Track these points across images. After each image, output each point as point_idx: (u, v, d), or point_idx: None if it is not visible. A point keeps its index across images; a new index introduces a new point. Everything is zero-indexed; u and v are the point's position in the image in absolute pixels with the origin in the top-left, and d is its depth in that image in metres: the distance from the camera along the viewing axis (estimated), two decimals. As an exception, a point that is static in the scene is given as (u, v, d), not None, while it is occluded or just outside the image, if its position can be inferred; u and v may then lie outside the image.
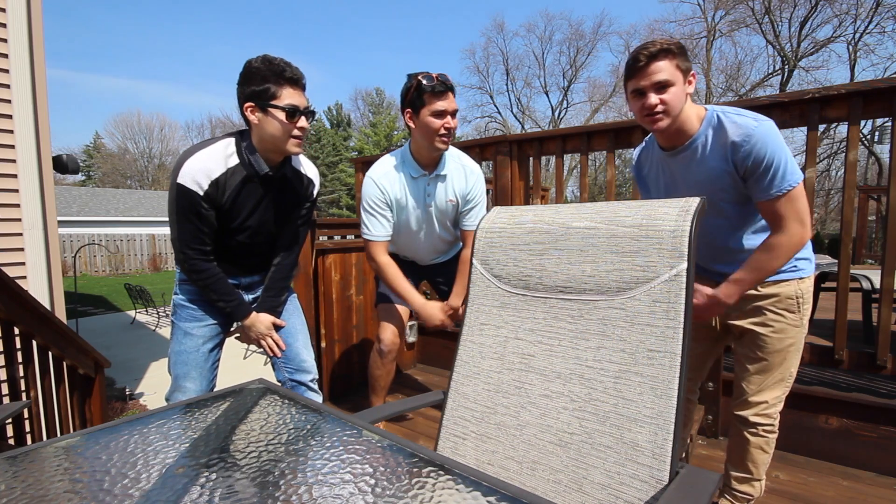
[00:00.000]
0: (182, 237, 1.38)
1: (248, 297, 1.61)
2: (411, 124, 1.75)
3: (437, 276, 2.15)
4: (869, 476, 1.71)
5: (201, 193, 1.33)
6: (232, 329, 1.62)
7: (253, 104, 1.32)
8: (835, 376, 1.93)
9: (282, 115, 1.32)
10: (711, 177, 1.23)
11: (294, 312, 1.69)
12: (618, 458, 0.77)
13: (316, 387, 1.68)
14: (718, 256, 1.35)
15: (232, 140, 1.40)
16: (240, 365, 5.46)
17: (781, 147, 1.15)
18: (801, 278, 1.28)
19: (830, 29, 20.33)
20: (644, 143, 1.48)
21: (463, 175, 1.86)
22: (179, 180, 1.31)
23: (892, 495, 1.60)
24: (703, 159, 1.23)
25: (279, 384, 1.66)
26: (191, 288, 1.50)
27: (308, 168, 1.58)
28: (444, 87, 1.66)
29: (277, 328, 1.61)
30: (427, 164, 1.82)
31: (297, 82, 1.34)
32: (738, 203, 1.26)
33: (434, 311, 1.90)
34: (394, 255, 2.07)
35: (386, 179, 1.81)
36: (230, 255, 1.50)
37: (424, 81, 1.66)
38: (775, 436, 1.35)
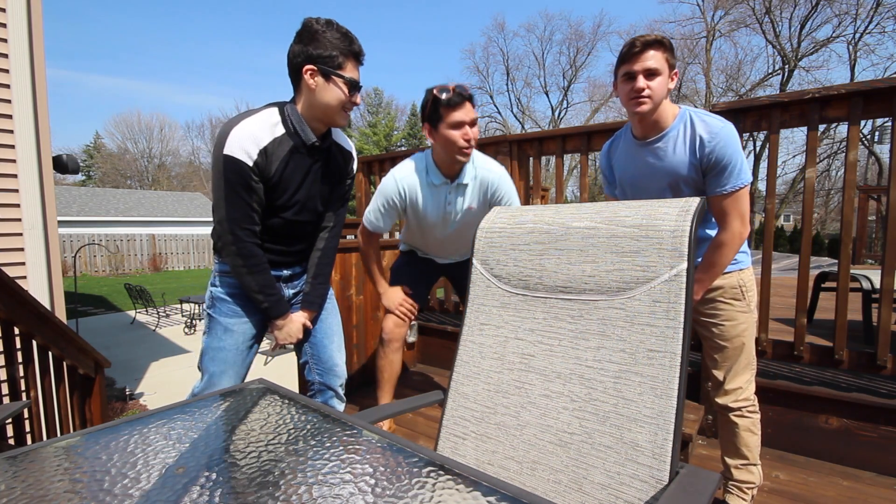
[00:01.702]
0: (232, 216, 1.28)
1: (289, 293, 1.53)
2: (430, 139, 1.76)
3: (455, 272, 2.19)
4: (869, 476, 1.71)
5: (250, 164, 1.25)
6: (269, 336, 1.53)
7: (315, 68, 1.26)
8: (835, 376, 1.92)
9: (345, 87, 1.29)
10: (679, 166, 1.36)
11: (332, 312, 1.63)
12: (618, 458, 0.77)
13: (342, 392, 1.64)
14: None
15: (275, 109, 1.32)
16: (240, 365, 5.46)
17: (739, 149, 1.31)
18: (740, 269, 1.44)
19: (830, 29, 20.38)
20: (614, 136, 1.60)
21: (487, 180, 1.84)
22: (227, 151, 1.23)
23: (892, 495, 1.60)
24: (674, 150, 1.36)
25: (308, 383, 1.63)
26: (232, 281, 1.41)
27: (346, 142, 1.53)
28: (460, 98, 1.64)
29: (307, 330, 1.55)
30: (449, 173, 1.81)
31: (360, 57, 1.31)
32: (699, 190, 1.40)
33: (394, 295, 2.01)
34: (411, 252, 2.17)
35: (407, 182, 1.82)
36: (275, 238, 1.42)
37: (441, 95, 1.66)
38: (758, 416, 1.46)
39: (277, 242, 1.44)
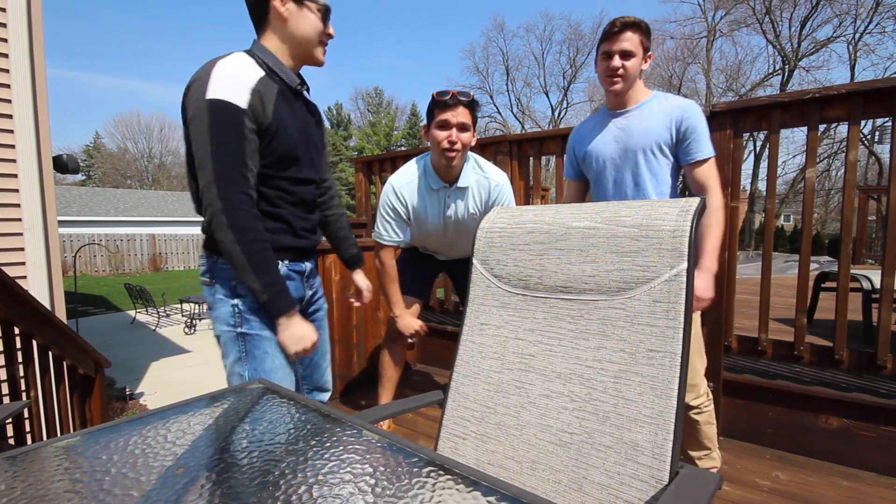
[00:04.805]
0: (222, 172, 0.99)
1: (308, 294, 1.29)
2: (426, 138, 1.77)
3: (456, 269, 2.21)
4: (869, 476, 1.71)
5: (244, 106, 1.01)
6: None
7: None
8: (835, 376, 1.92)
9: (319, 14, 1.13)
10: (654, 130, 1.48)
11: (324, 325, 1.43)
12: (618, 458, 0.77)
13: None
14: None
15: (242, 53, 1.10)
16: (240, 365, 5.46)
17: (707, 124, 1.47)
18: None
19: (830, 29, 20.39)
20: (585, 120, 1.72)
21: (487, 187, 1.83)
22: (211, 95, 0.99)
23: (892, 495, 1.60)
24: (648, 118, 1.49)
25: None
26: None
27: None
28: (454, 101, 1.65)
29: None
30: (446, 176, 1.80)
31: None
32: (667, 160, 1.50)
33: (410, 322, 1.99)
34: (413, 248, 2.18)
35: (406, 189, 1.82)
36: (294, 205, 1.16)
37: (437, 95, 1.67)
38: (713, 406, 1.55)
39: (297, 212, 1.17)
